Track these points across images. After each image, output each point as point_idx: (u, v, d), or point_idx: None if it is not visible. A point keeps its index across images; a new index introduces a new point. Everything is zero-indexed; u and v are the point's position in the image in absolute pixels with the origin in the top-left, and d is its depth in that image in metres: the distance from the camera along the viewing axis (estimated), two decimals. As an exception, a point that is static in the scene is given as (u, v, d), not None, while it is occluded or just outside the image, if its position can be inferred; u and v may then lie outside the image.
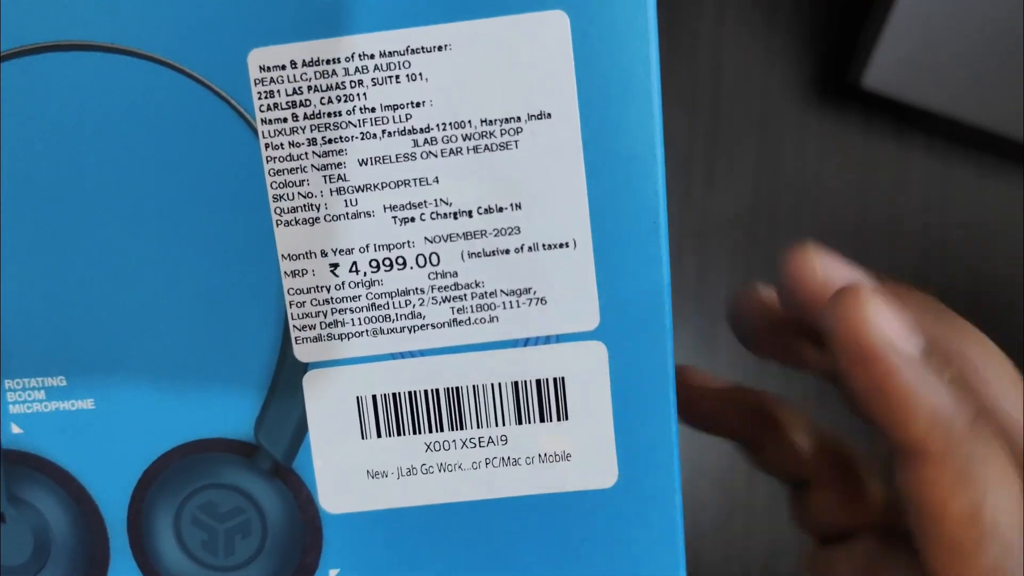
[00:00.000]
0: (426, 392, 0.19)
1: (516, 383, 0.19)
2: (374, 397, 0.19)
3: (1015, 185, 0.37)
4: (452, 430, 0.20)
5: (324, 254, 0.19)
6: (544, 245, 0.19)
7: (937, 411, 0.18)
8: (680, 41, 0.37)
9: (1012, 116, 0.33)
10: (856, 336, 0.18)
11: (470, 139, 0.19)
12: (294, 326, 0.19)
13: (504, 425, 0.19)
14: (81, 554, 0.20)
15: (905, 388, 0.18)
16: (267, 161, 0.19)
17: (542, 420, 0.19)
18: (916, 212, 0.37)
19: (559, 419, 0.19)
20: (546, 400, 0.19)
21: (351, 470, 0.20)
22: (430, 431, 0.20)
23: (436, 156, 0.19)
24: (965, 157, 0.37)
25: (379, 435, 0.20)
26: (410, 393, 0.19)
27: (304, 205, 0.19)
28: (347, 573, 0.20)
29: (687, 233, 0.37)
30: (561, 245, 0.19)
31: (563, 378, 0.19)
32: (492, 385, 0.19)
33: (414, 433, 0.20)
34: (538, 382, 0.19)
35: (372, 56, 0.18)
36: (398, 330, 0.19)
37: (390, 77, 0.19)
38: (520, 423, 0.19)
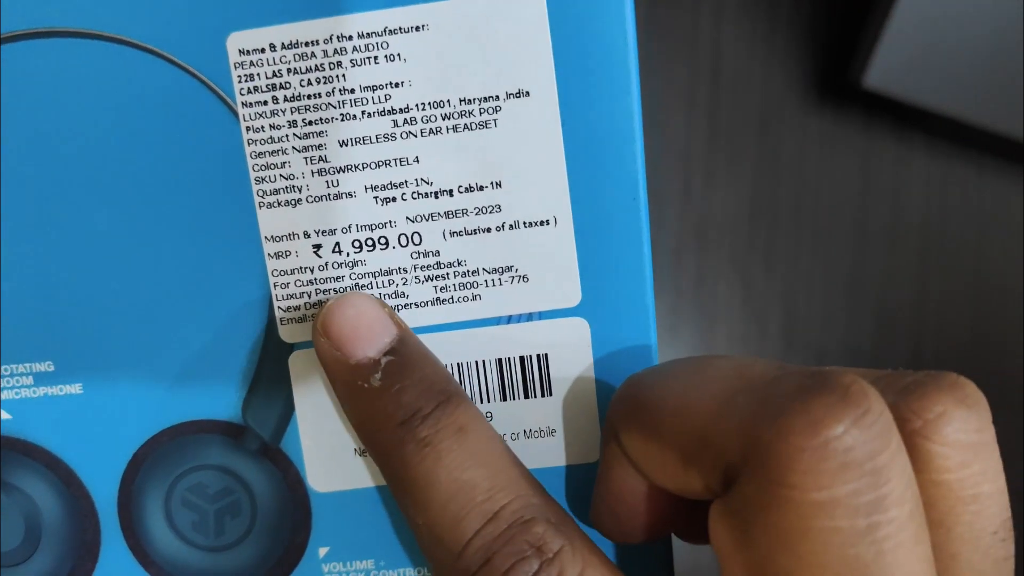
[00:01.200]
0: (411, 371, 0.20)
1: (500, 360, 0.19)
2: (360, 377, 0.20)
3: (1015, 185, 0.37)
4: (437, 408, 0.20)
5: (307, 235, 0.19)
6: (525, 223, 0.19)
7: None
8: (680, 40, 0.37)
9: (1012, 116, 0.33)
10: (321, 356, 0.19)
11: (449, 118, 0.19)
12: (279, 307, 0.19)
13: (489, 402, 0.20)
14: (72, 538, 0.20)
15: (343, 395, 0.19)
16: (248, 144, 0.19)
17: (526, 396, 0.20)
18: (916, 212, 0.37)
19: (543, 395, 0.20)
20: (530, 376, 0.19)
21: (338, 448, 0.20)
22: (416, 409, 0.20)
23: (416, 136, 0.19)
24: (965, 157, 0.37)
25: (365, 414, 0.20)
26: (395, 372, 0.20)
27: (286, 187, 0.19)
28: (337, 551, 0.20)
29: (687, 233, 0.37)
30: (542, 223, 0.19)
31: (546, 355, 0.19)
32: (476, 362, 0.19)
33: (400, 412, 0.20)
34: (522, 359, 0.19)
35: (351, 38, 0.19)
36: (382, 310, 0.19)
37: (369, 58, 0.19)
38: (505, 399, 0.20)
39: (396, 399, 0.18)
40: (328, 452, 0.20)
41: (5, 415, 0.20)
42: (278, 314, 0.19)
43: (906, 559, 0.14)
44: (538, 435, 0.20)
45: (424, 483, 0.17)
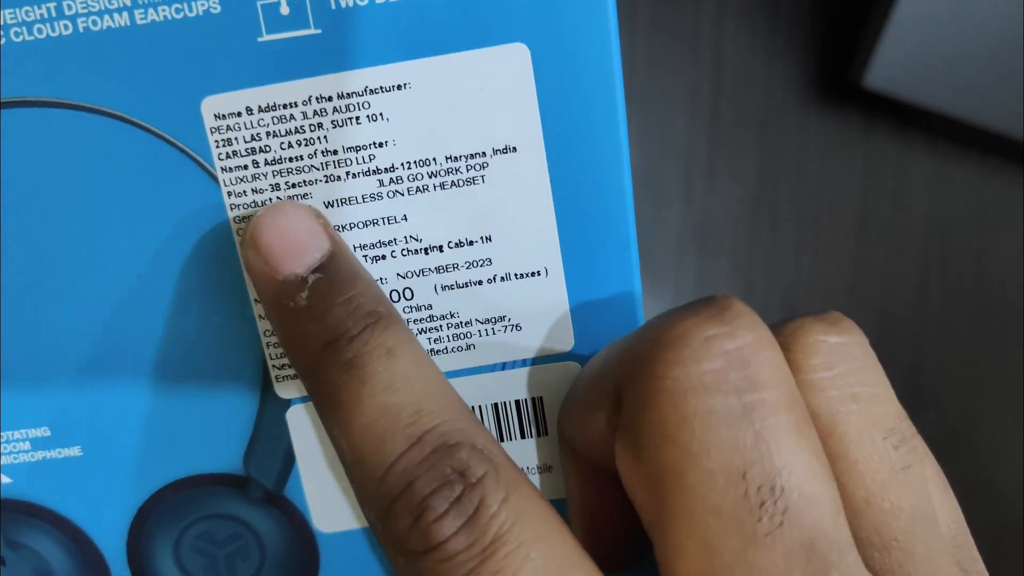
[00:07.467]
0: (409, 417, 0.20)
1: (496, 404, 0.20)
2: (358, 426, 0.20)
3: (1015, 185, 0.37)
4: (437, 450, 0.20)
5: (297, 295, 0.19)
6: (516, 275, 0.19)
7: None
8: (681, 40, 0.36)
9: (1012, 116, 0.33)
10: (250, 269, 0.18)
11: (436, 176, 0.18)
12: (272, 366, 0.20)
13: (487, 443, 0.20)
14: (85, 586, 0.21)
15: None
16: (231, 208, 0.19)
17: (523, 437, 0.20)
18: (917, 212, 0.37)
19: (539, 435, 0.20)
20: (526, 418, 0.20)
21: (341, 492, 0.20)
22: (415, 452, 0.20)
23: (403, 195, 0.19)
24: (966, 157, 0.37)
25: (366, 459, 0.20)
26: (393, 420, 0.20)
27: (273, 249, 0.19)
28: (345, 584, 0.21)
29: (687, 233, 0.37)
30: (533, 274, 0.19)
31: (541, 397, 0.20)
32: (473, 407, 0.20)
33: (400, 456, 0.20)
34: (517, 402, 0.20)
35: (330, 99, 0.18)
36: (377, 362, 0.20)
37: (349, 119, 0.18)
38: (502, 440, 0.20)
39: (322, 320, 0.17)
40: (332, 496, 0.20)
41: (6, 479, 0.20)
42: (272, 372, 0.20)
43: (788, 444, 0.14)
44: (536, 472, 0.20)
45: (348, 405, 0.17)
